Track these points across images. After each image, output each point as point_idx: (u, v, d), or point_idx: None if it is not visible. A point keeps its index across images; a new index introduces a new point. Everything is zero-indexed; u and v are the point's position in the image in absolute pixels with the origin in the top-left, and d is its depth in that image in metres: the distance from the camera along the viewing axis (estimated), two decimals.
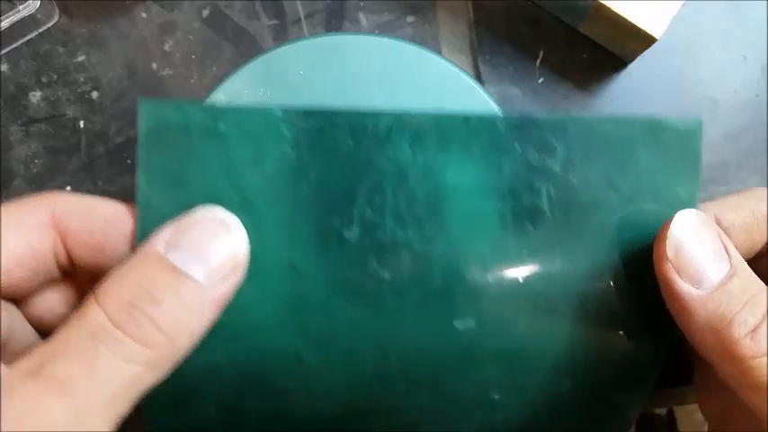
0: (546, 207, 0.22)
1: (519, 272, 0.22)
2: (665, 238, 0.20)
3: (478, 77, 0.31)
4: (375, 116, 0.21)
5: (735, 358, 0.19)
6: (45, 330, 0.22)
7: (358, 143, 0.21)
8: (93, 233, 0.20)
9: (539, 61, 0.31)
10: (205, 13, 0.31)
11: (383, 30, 0.31)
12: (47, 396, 0.15)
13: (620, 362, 0.23)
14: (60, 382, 0.16)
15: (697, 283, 0.20)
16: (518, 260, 0.22)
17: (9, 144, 0.30)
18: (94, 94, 0.30)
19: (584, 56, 0.31)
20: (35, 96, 0.30)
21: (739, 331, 0.19)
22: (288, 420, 0.22)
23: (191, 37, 0.31)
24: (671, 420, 0.70)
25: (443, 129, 0.22)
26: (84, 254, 0.20)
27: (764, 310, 0.19)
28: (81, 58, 0.31)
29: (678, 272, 0.20)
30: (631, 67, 0.31)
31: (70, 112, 0.30)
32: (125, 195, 0.21)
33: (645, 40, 0.28)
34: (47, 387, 0.16)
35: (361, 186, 0.21)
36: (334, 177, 0.21)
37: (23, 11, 0.29)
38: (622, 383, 0.24)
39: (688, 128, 0.22)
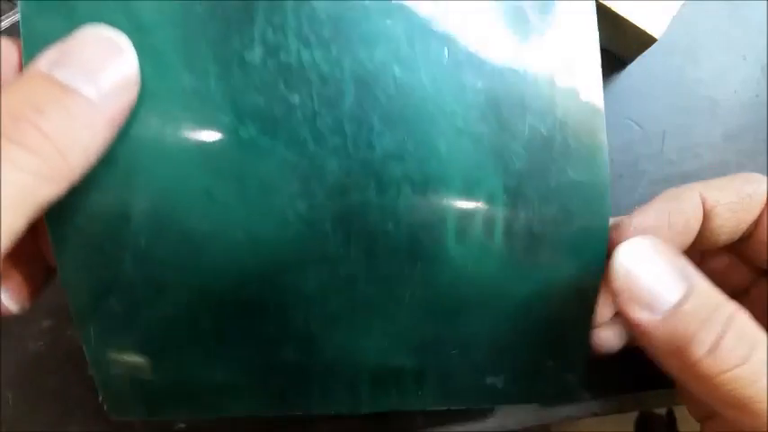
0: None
1: (434, 91, 0.21)
2: (612, 271, 0.20)
3: None
4: None
5: (699, 378, 0.19)
6: None
7: None
8: None
9: None
10: None
11: None
12: None
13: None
14: None
15: (651, 309, 0.20)
16: (432, 80, 0.21)
17: None
18: None
19: None
20: None
21: (698, 352, 0.19)
22: (209, 274, 0.21)
23: None
24: (671, 420, 0.70)
25: None
26: None
27: (721, 326, 0.19)
28: None
29: (631, 301, 0.20)
30: (631, 67, 0.31)
31: None
32: None
33: (645, 40, 0.28)
34: None
35: (259, 5, 0.20)
36: None
37: None
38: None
39: None
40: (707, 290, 0.20)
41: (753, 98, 0.31)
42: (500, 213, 0.22)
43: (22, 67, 0.19)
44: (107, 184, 0.19)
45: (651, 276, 0.20)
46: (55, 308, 0.30)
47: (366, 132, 0.21)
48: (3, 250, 0.16)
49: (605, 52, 0.31)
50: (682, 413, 0.70)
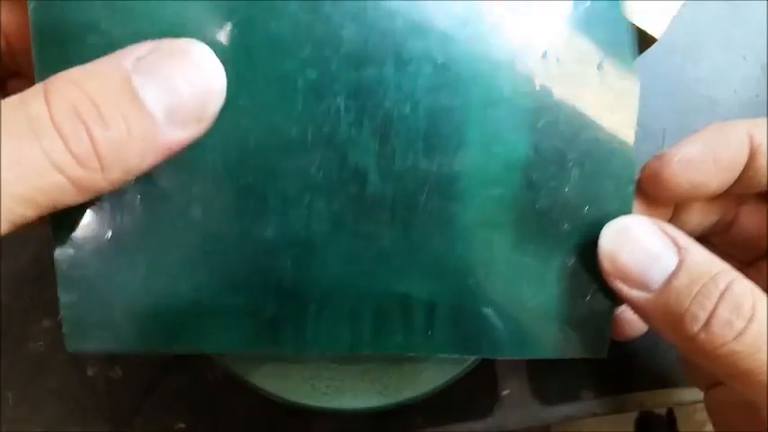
0: None
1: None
2: (598, 253, 0.20)
3: None
4: None
5: (698, 353, 0.19)
6: None
7: None
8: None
9: None
10: None
11: None
12: None
13: None
14: None
15: (643, 287, 0.20)
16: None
17: None
18: None
19: None
20: None
21: (692, 328, 0.19)
22: (207, 146, 0.19)
23: None
24: (671, 420, 0.70)
25: None
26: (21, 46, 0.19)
27: (715, 298, 0.18)
28: None
29: (623, 281, 0.20)
30: None
31: None
32: None
33: (645, 40, 0.28)
34: None
35: None
36: None
37: None
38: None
39: None
40: (700, 261, 0.19)
41: (753, 98, 0.31)
42: (530, 105, 0.20)
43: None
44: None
45: (638, 255, 0.20)
46: (55, 308, 0.30)
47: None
48: (2, 232, 0.16)
49: None
50: (682, 413, 0.70)
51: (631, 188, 0.21)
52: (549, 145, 0.21)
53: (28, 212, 0.15)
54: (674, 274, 0.19)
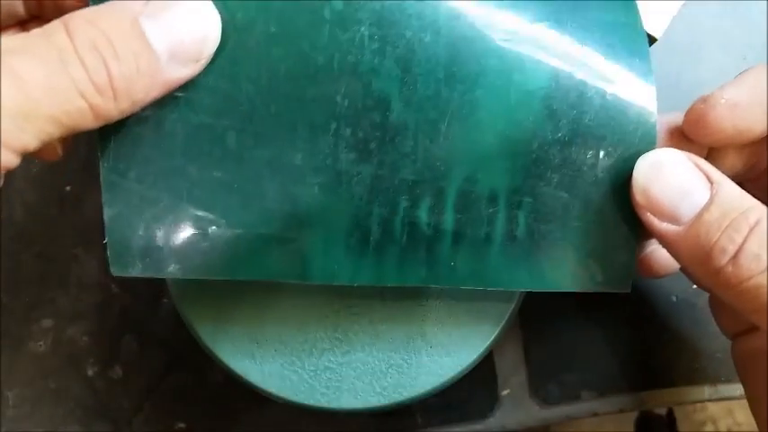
0: None
1: None
2: (632, 185, 0.20)
3: None
4: None
5: (724, 287, 0.19)
6: None
7: None
8: None
9: None
10: None
11: None
12: (3, 82, 0.16)
13: None
14: (20, 78, 0.16)
15: (673, 219, 0.20)
16: None
17: None
18: None
19: None
20: None
21: (720, 261, 0.19)
22: (240, 75, 0.20)
23: None
24: (671, 420, 0.70)
25: None
26: None
27: (745, 232, 0.19)
28: None
29: (654, 214, 0.20)
30: None
31: None
32: None
33: None
34: (6, 76, 0.16)
35: None
36: None
37: None
38: None
39: None
40: (731, 195, 0.19)
41: None
42: (551, 35, 0.21)
43: None
44: None
45: (671, 187, 0.20)
46: (55, 308, 0.30)
47: None
48: (32, 148, 0.17)
49: None
50: (682, 413, 0.70)
51: (654, 119, 0.21)
52: (570, 74, 0.21)
53: (54, 133, 0.17)
54: (705, 208, 0.19)
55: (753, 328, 0.24)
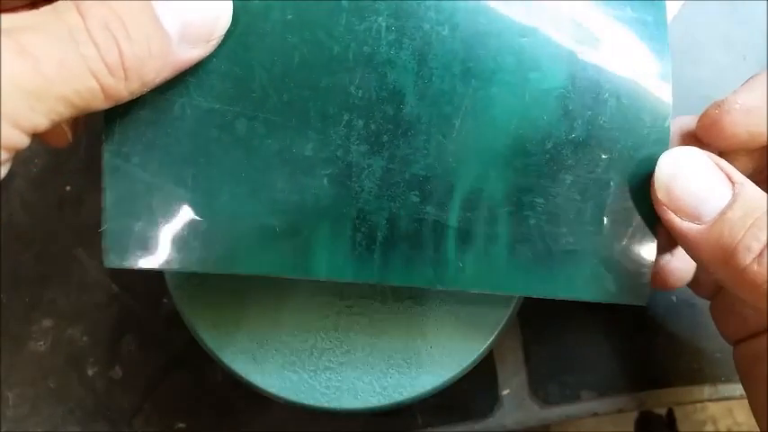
0: None
1: None
2: (654, 182, 0.20)
3: None
4: None
5: (747, 285, 0.19)
6: None
7: None
8: None
9: None
10: None
11: None
12: (12, 60, 0.16)
13: None
14: (31, 55, 0.16)
15: (696, 218, 0.20)
16: None
17: None
18: None
19: None
20: None
21: (744, 258, 0.19)
22: (253, 60, 0.20)
23: None
24: (671, 420, 0.70)
25: None
26: None
27: None
28: None
29: (675, 212, 0.20)
30: None
31: None
32: None
33: None
34: (18, 54, 0.16)
35: None
36: None
37: None
38: None
39: None
40: (754, 194, 0.19)
41: None
42: (568, 36, 0.20)
43: None
44: None
45: (694, 185, 0.20)
46: (55, 308, 0.30)
47: None
48: (43, 128, 0.17)
49: None
50: (682, 413, 0.70)
51: (668, 123, 0.21)
52: (587, 75, 0.21)
53: (65, 113, 0.17)
54: (728, 206, 0.19)
55: (755, 334, 0.24)
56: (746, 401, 0.24)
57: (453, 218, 0.21)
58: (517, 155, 0.21)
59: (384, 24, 0.20)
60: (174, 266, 0.20)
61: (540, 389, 0.30)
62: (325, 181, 0.20)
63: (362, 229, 0.21)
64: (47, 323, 0.30)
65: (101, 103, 0.17)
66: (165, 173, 0.20)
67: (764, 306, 0.19)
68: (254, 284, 0.25)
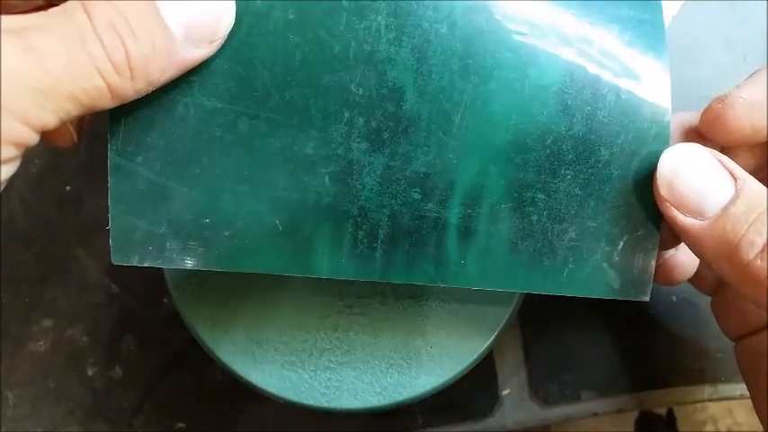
0: None
1: None
2: (656, 179, 0.20)
3: None
4: None
5: (750, 281, 0.19)
6: None
7: None
8: None
9: None
10: None
11: None
12: (21, 58, 0.16)
13: None
14: (40, 54, 0.16)
15: (698, 214, 0.20)
16: None
17: None
18: None
19: None
20: None
21: (747, 254, 0.19)
22: (255, 59, 0.20)
23: None
24: (671, 420, 0.70)
25: None
26: None
27: None
28: None
29: (678, 208, 0.20)
30: None
31: None
32: None
33: None
34: (26, 52, 0.16)
35: None
36: None
37: None
38: None
39: None
40: (756, 190, 0.19)
41: None
42: (566, 32, 0.21)
43: None
44: None
45: (696, 181, 0.20)
46: (55, 308, 0.30)
47: None
48: (52, 126, 0.17)
49: None
50: (682, 413, 0.70)
51: (668, 117, 0.21)
52: (585, 70, 0.21)
53: (72, 111, 0.17)
54: (731, 202, 0.19)
55: (756, 330, 0.24)
56: (747, 401, 0.24)
57: (454, 214, 0.21)
58: (517, 150, 0.21)
59: (384, 23, 0.20)
60: (178, 264, 0.21)
61: (540, 389, 0.30)
62: (326, 179, 0.21)
63: (364, 227, 0.21)
64: (47, 323, 0.30)
65: (107, 102, 0.18)
66: (168, 172, 0.20)
67: (767, 302, 0.19)
68: (253, 284, 0.25)
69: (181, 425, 0.29)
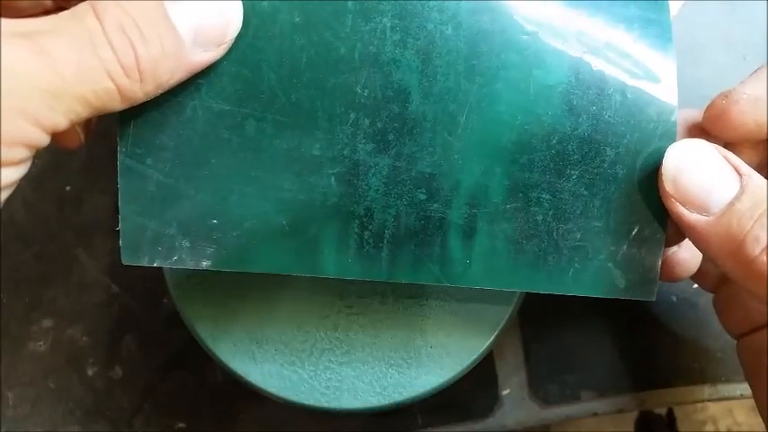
0: None
1: None
2: (661, 174, 0.20)
3: None
4: None
5: (755, 277, 0.19)
6: None
7: None
8: None
9: None
10: None
11: None
12: (33, 61, 0.16)
13: None
14: (51, 57, 0.16)
15: (704, 210, 0.20)
16: None
17: None
18: None
19: None
20: None
21: (753, 250, 0.19)
22: (261, 62, 0.20)
23: None
24: (671, 420, 0.70)
25: None
26: None
27: None
28: None
29: (683, 204, 0.20)
30: None
31: None
32: None
33: None
34: (38, 55, 0.16)
35: None
36: None
37: None
38: None
39: None
40: (761, 186, 0.19)
41: None
42: (571, 32, 0.21)
43: None
44: None
45: (701, 177, 0.20)
46: (55, 308, 0.30)
47: None
48: (62, 127, 0.17)
49: None
50: (682, 413, 0.70)
51: (674, 117, 0.21)
52: (590, 70, 0.21)
53: (83, 113, 0.17)
54: (736, 198, 0.19)
55: (759, 328, 0.24)
56: (747, 402, 0.24)
57: (460, 215, 0.21)
58: (523, 151, 0.21)
59: (389, 25, 0.20)
60: (188, 265, 0.21)
61: (540, 389, 0.30)
62: (332, 180, 0.21)
63: (370, 228, 0.21)
64: (47, 323, 0.30)
65: (117, 104, 0.18)
66: (177, 173, 0.20)
67: None
68: (253, 284, 0.25)
69: (181, 425, 0.29)
